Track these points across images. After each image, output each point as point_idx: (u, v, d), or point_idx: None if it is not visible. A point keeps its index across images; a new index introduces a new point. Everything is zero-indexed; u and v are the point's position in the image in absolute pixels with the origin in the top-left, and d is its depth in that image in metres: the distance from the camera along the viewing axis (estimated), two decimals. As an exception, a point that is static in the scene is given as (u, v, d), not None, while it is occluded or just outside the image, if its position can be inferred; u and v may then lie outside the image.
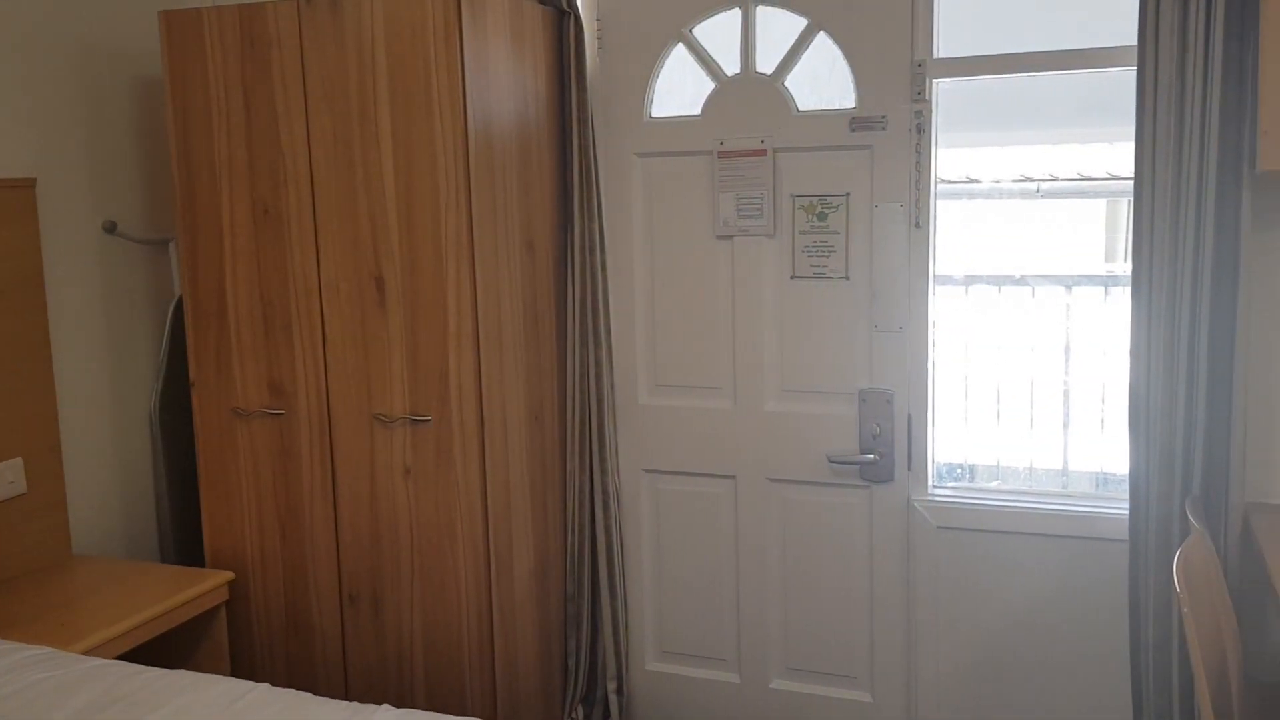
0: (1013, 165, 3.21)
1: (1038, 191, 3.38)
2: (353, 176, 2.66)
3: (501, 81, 2.71)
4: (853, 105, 2.86)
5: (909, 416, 2.92)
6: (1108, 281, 3.26)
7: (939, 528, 2.91)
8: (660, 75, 3.05)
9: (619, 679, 3.18)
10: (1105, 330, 3.07)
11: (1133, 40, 2.58)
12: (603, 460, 3.06)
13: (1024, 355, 3.12)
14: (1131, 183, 2.51)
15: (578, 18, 2.92)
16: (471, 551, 2.71)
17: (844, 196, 2.90)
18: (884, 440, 2.93)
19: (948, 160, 2.90)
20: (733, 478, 3.11)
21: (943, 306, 2.96)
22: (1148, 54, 2.44)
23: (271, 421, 2.84)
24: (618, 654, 3.16)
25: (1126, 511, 2.64)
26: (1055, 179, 3.37)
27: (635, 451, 3.19)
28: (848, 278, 2.92)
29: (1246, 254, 2.41)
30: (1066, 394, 3.10)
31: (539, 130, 2.91)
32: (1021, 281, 3.18)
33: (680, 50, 3.02)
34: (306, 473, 2.82)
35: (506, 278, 2.76)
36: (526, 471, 2.89)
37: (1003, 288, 3.21)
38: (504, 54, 2.72)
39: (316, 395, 2.78)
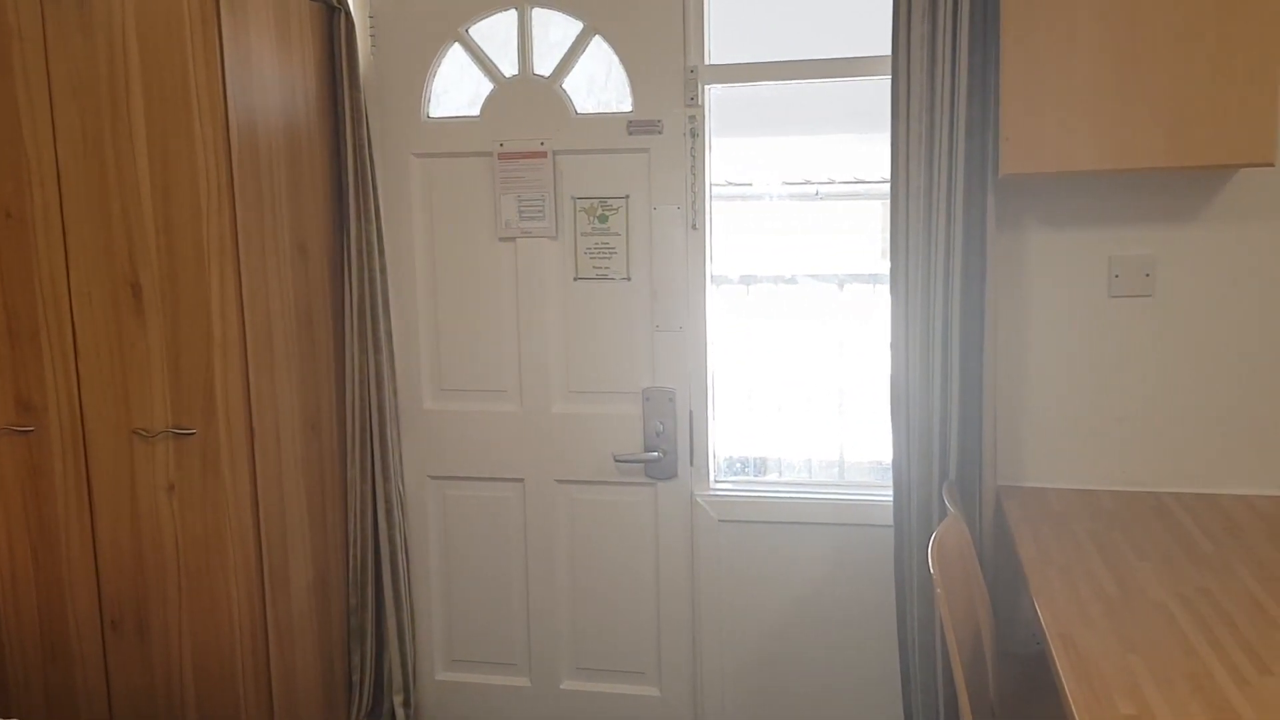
0: (794, 168, 3.32)
1: (817, 194, 3.51)
2: (104, 176, 2.50)
3: (267, 78, 2.61)
4: (630, 109, 2.90)
5: (690, 413, 2.98)
6: (875, 279, 3.42)
7: (720, 521, 2.98)
8: (438, 75, 3.00)
9: (406, 691, 3.11)
10: (875, 325, 3.22)
11: (889, 51, 2.71)
12: (385, 468, 2.99)
13: (802, 351, 3.24)
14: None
15: (348, 14, 2.84)
16: (244, 568, 2.59)
17: (624, 199, 2.94)
18: (667, 438, 2.98)
19: (730, 162, 2.97)
20: (520, 481, 3.09)
21: (724, 305, 3.04)
22: (900, 64, 2.58)
23: (19, 439, 2.63)
24: (404, 666, 3.10)
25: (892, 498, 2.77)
26: (833, 181, 3.51)
27: (420, 458, 3.14)
28: (629, 279, 2.96)
29: (992, 253, 2.58)
30: (842, 387, 3.23)
31: (310, 129, 2.81)
32: (796, 280, 3.29)
33: (457, 50, 2.98)
34: (60, 492, 2.63)
35: (276, 282, 2.66)
36: (303, 482, 2.79)
37: (781, 286, 3.32)
38: (269, 49, 2.62)
39: (69, 410, 2.60)
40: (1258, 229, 2.59)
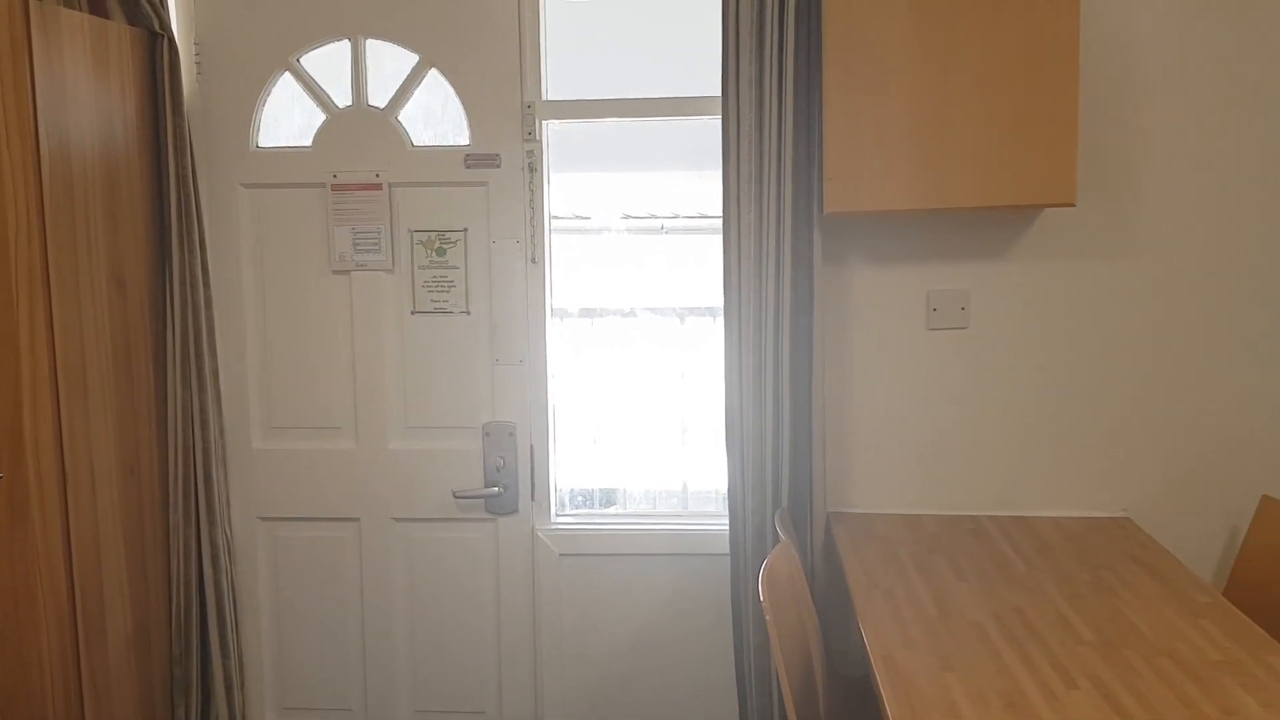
0: (640, 202, 3.36)
1: (662, 228, 3.56)
2: (-103, 204, 2.34)
3: (83, 105, 2.50)
4: (467, 142, 2.89)
5: (531, 448, 2.97)
6: (714, 312, 3.49)
7: (561, 555, 2.98)
8: (268, 104, 2.93)
9: (237, 742, 2.98)
10: (716, 357, 3.28)
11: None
12: (211, 511, 2.87)
13: (646, 383, 3.27)
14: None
15: (172, 40, 2.74)
16: (56, 621, 2.44)
17: (462, 232, 2.92)
18: (508, 472, 2.96)
19: (577, 197, 2.99)
20: (356, 520, 3.02)
21: (568, 338, 3.04)
22: (730, 105, 2.65)
23: None
24: (232, 716, 2.97)
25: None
26: (678, 216, 3.57)
27: (249, 499, 3.03)
28: (468, 312, 2.94)
29: (819, 288, 2.67)
30: (684, 418, 3.28)
31: (130, 159, 2.70)
32: (635, 313, 3.33)
33: (288, 79, 2.92)
34: None
35: (92, 316, 2.54)
36: (121, 528, 2.65)
37: (624, 319, 3.36)
38: (85, 75, 2.51)
39: None
40: (1062, 265, 2.76)
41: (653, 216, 3.50)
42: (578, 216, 3.23)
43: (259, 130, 2.94)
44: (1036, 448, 2.82)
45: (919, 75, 2.50)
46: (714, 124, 2.90)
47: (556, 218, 2.99)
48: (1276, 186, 2.68)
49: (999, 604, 2.16)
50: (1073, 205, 2.50)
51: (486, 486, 2.96)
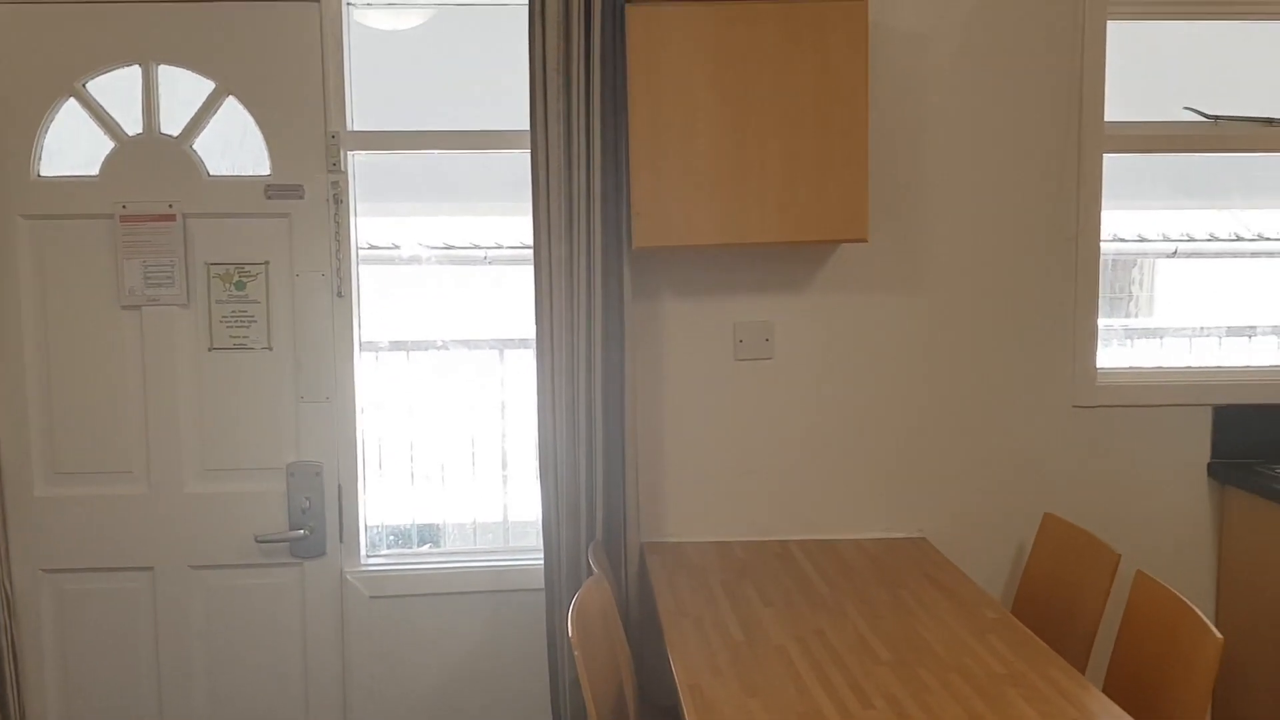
0: (462, 233, 3.33)
1: (485, 259, 3.53)
2: None
3: None
4: (268, 173, 2.80)
5: (340, 487, 2.88)
6: (532, 344, 3.49)
7: (372, 598, 2.90)
8: (50, 131, 2.77)
9: (16, 815, 2.76)
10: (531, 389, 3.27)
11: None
12: (-14, 564, 2.66)
13: (466, 416, 3.23)
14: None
15: (-62, 61, 2.56)
16: None
17: (263, 265, 2.82)
18: (314, 514, 2.87)
19: (385, 229, 2.94)
20: (150, 569, 2.86)
21: (383, 373, 2.98)
22: (538, 140, 2.66)
23: None
24: (12, 786, 2.75)
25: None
26: (500, 246, 3.54)
27: (31, 550, 2.82)
28: (270, 348, 2.84)
29: (630, 320, 2.70)
30: (505, 450, 3.25)
31: (-112, 186, 2.50)
32: (449, 346, 3.29)
33: (73, 105, 2.77)
34: None
35: None
36: (-121, 587, 2.43)
37: (443, 351, 3.31)
38: None
39: None
40: (859, 297, 2.88)
41: (475, 247, 3.47)
42: (392, 246, 3.17)
43: (40, 159, 2.77)
44: (838, 472, 2.92)
45: (720, 116, 2.57)
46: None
47: (372, 248, 2.93)
48: (1047, 224, 2.88)
49: (802, 627, 2.22)
50: (865, 241, 2.62)
51: (291, 529, 2.86)
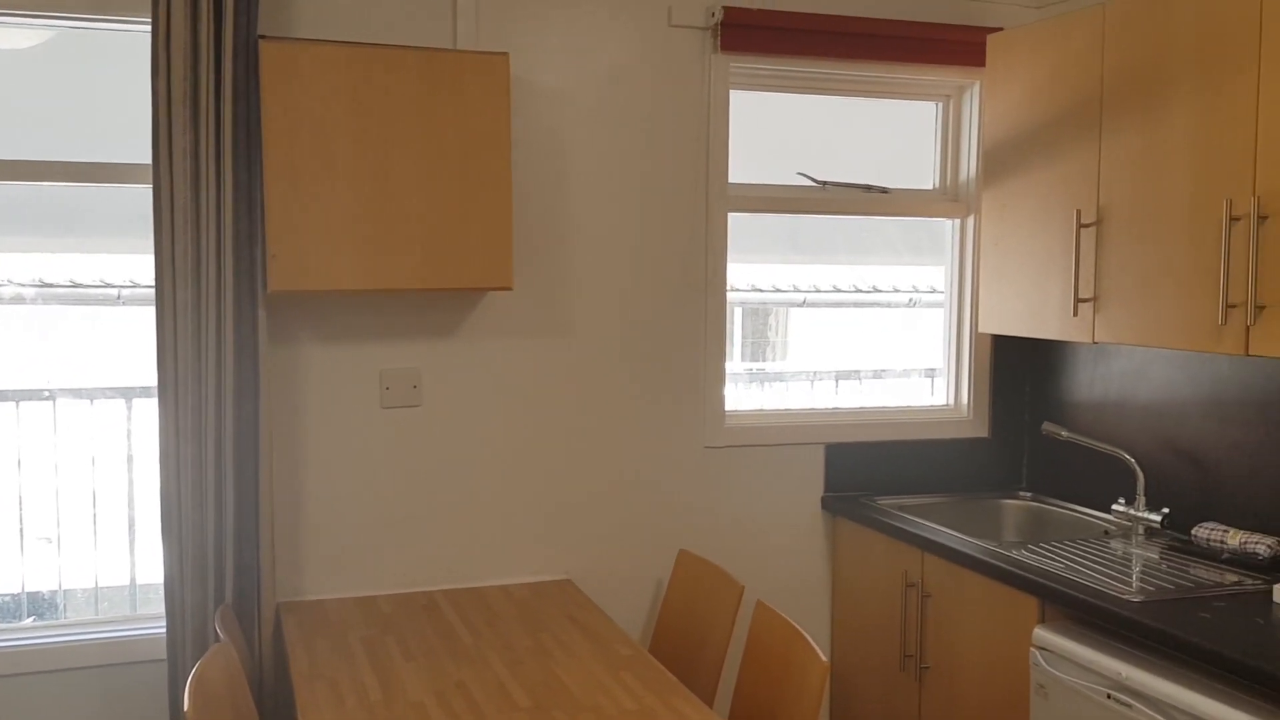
0: (88, 271, 3.02)
1: (119, 298, 3.23)
2: None
3: None
4: None
5: (-82, 558, 2.53)
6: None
7: (-42, 682, 2.56)
8: None
9: None
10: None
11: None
12: None
13: (85, 471, 2.93)
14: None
15: None
16: None
17: None
18: (-115, 590, 2.49)
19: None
20: None
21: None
22: (162, 175, 2.50)
23: None
24: None
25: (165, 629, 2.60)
26: (136, 285, 3.26)
27: None
28: None
29: (265, 367, 2.58)
30: (132, 507, 2.98)
31: None
32: (54, 396, 2.99)
33: None
34: None
35: None
36: None
37: (49, 402, 2.99)
38: None
39: None
40: (505, 343, 2.91)
41: (106, 285, 3.18)
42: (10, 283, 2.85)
43: None
44: (486, 518, 2.92)
45: (362, 159, 2.53)
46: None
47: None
48: (680, 275, 3.05)
49: (443, 680, 2.19)
50: (510, 289, 2.66)
51: None
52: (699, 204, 3.05)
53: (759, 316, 3.46)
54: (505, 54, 2.61)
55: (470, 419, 2.89)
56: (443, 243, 2.60)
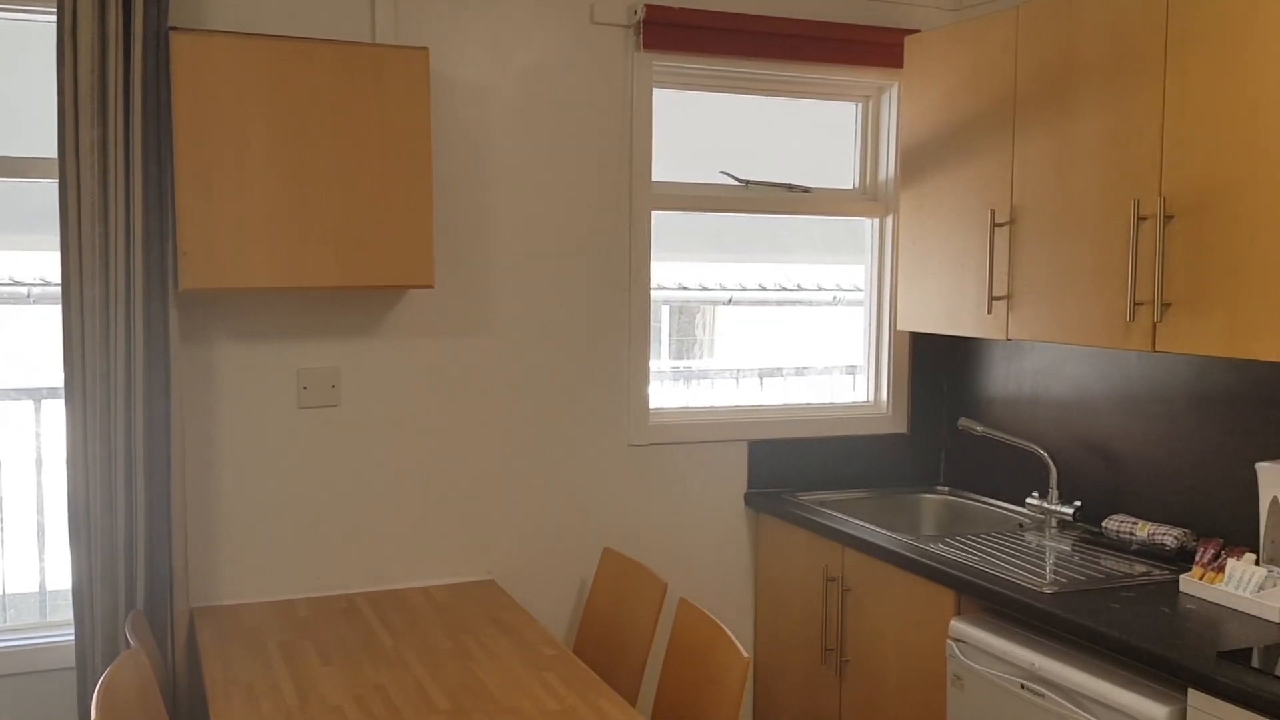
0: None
1: (28, 295, 3.12)
2: None
3: None
4: None
5: None
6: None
7: None
8: None
9: None
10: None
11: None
12: None
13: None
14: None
15: None
16: None
17: None
18: None
19: None
20: None
21: None
22: (69, 168, 2.42)
23: None
24: None
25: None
26: (47, 283, 3.15)
27: None
28: None
29: (177, 367, 2.51)
30: (41, 511, 2.89)
31: None
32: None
33: None
34: None
35: None
36: None
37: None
38: None
39: None
40: (426, 343, 2.88)
41: (14, 283, 3.07)
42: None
43: None
44: (407, 519, 2.89)
45: (277, 154, 2.48)
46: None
47: None
48: (605, 274, 3.05)
49: (361, 683, 2.16)
50: (431, 286, 2.63)
51: None
52: (623, 202, 3.04)
53: (686, 315, 3.47)
54: (425, 48, 2.58)
55: (391, 419, 2.86)
56: (361, 240, 2.56)
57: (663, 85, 3.11)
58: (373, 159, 2.55)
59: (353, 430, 2.83)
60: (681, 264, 3.34)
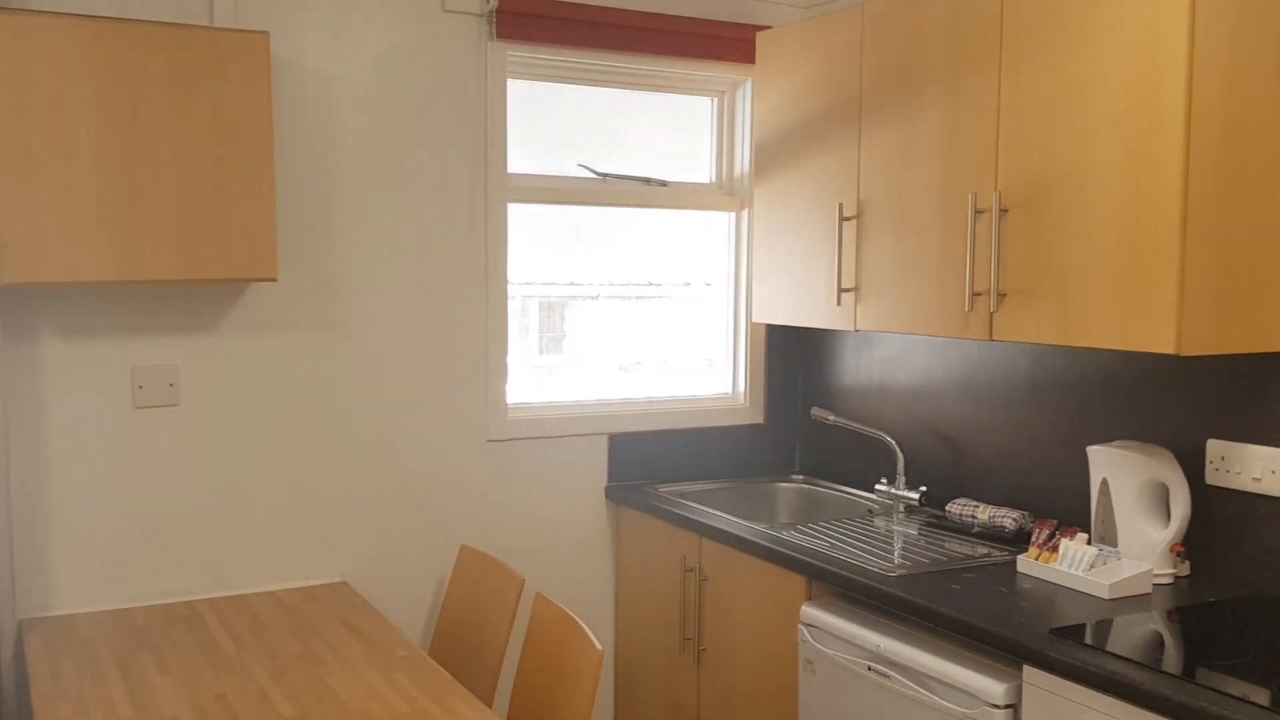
0: None
1: None
2: None
3: None
4: None
5: None
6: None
7: None
8: None
9: None
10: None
11: None
12: None
13: None
14: None
15: None
16: None
17: None
18: None
19: None
20: None
21: None
22: None
23: None
24: None
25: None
26: None
27: None
28: None
29: (2, 368, 2.37)
30: None
31: None
32: None
33: None
34: None
35: None
36: None
37: None
38: None
39: None
40: (271, 338, 2.79)
41: None
42: None
43: None
44: (253, 522, 2.79)
45: (107, 142, 2.36)
46: None
47: None
48: (461, 267, 3.00)
49: (201, 694, 2.07)
50: (275, 280, 2.54)
51: None
52: (478, 194, 3.00)
53: (554, 310, 3.44)
54: (265, 33, 2.49)
55: (234, 417, 2.75)
56: (200, 231, 2.45)
57: (517, 76, 3.08)
58: (212, 148, 2.45)
59: (193, 430, 2.71)
60: (547, 258, 3.31)
